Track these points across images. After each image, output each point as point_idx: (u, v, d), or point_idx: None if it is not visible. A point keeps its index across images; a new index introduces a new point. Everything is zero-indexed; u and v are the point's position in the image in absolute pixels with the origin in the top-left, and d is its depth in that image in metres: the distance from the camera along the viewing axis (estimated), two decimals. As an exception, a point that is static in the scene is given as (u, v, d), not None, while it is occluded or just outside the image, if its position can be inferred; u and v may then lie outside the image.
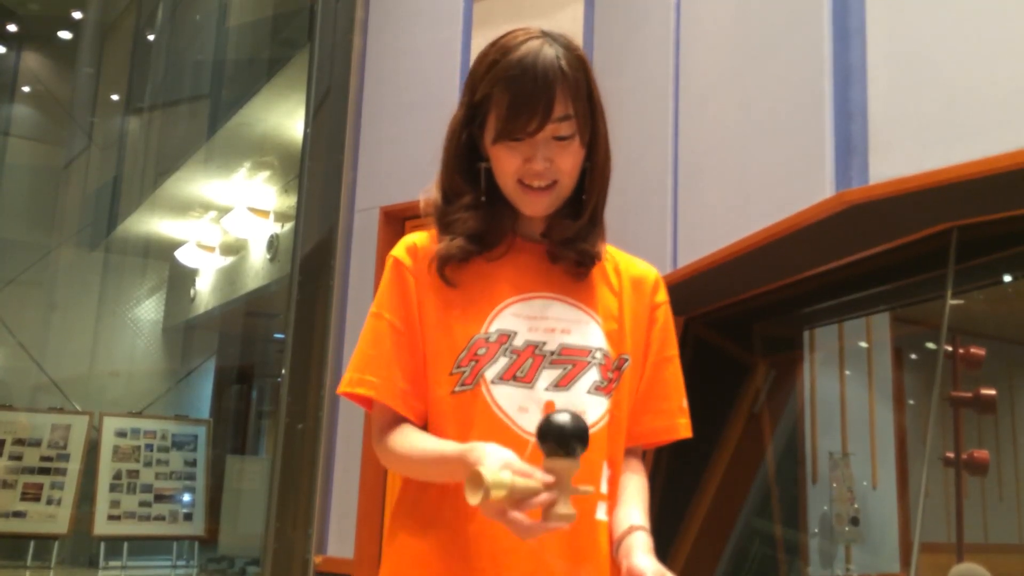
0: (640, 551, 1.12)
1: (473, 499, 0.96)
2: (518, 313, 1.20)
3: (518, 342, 1.18)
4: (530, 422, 1.14)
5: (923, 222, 2.05)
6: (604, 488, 1.18)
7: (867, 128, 1.88)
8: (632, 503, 1.21)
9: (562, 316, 1.21)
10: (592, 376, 1.18)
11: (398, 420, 1.20)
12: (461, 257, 1.21)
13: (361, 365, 1.20)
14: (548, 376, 1.17)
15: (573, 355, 1.19)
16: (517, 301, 1.21)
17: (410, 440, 1.17)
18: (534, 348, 1.18)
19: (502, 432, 1.14)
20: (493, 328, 1.18)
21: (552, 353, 1.18)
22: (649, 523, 1.19)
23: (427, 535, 1.16)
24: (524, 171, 1.18)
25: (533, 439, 1.09)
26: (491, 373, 1.16)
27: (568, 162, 1.18)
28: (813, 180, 1.96)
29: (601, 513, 1.17)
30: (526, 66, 1.14)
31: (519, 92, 1.14)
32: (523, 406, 1.15)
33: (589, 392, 1.18)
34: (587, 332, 1.21)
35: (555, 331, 1.20)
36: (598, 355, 1.20)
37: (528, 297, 1.22)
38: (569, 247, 1.22)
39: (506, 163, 1.18)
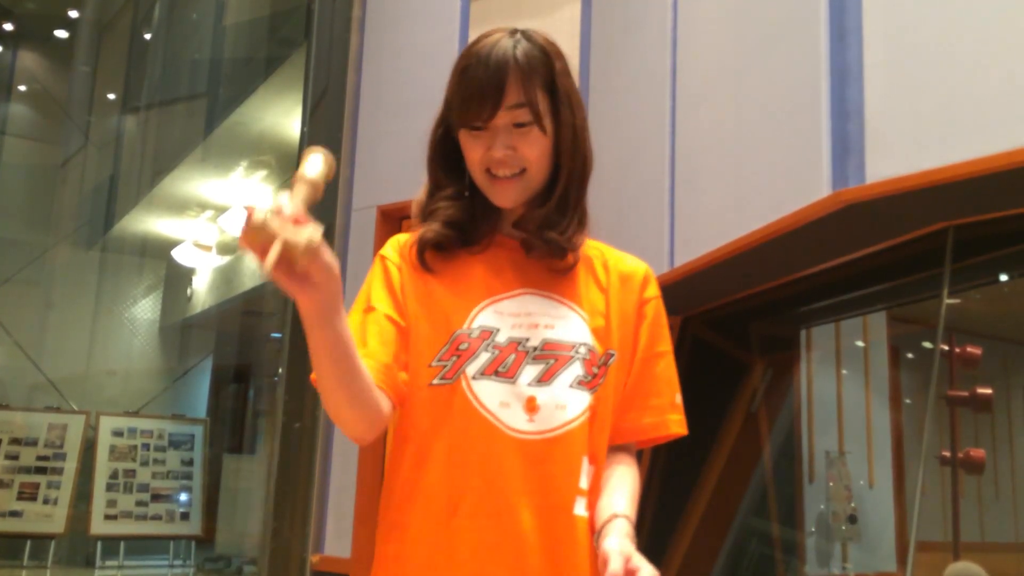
0: (614, 535, 1.10)
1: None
2: (501, 310, 1.20)
3: (500, 338, 1.18)
4: (512, 417, 1.15)
5: (919, 221, 2.05)
6: (584, 483, 1.17)
7: (864, 127, 1.89)
8: (616, 492, 1.19)
9: (546, 312, 1.21)
10: (575, 370, 1.18)
11: None
12: (437, 242, 1.23)
13: None
14: (531, 371, 1.17)
15: (556, 350, 1.19)
16: (501, 299, 1.21)
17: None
18: (517, 344, 1.18)
19: (483, 427, 1.14)
20: (475, 324, 1.19)
21: (535, 349, 1.18)
22: (634, 511, 1.18)
23: (410, 531, 1.16)
24: (488, 159, 1.20)
25: (516, 433, 1.14)
26: (472, 368, 1.16)
27: (533, 150, 1.20)
28: (810, 179, 1.97)
29: (580, 508, 1.16)
30: (480, 56, 1.18)
31: (471, 80, 1.17)
32: (505, 401, 1.15)
33: (571, 386, 1.18)
34: (571, 327, 1.21)
35: (538, 327, 1.20)
36: (582, 350, 1.20)
37: (512, 295, 1.22)
38: (538, 235, 1.23)
39: (471, 152, 1.21)
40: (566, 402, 1.17)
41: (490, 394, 1.15)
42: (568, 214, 1.24)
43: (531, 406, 1.16)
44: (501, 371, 1.16)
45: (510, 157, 1.19)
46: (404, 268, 1.24)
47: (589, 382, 1.19)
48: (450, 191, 1.25)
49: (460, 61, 1.21)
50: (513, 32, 1.21)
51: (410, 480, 1.18)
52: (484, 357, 1.17)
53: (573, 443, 1.16)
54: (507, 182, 1.21)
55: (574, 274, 1.26)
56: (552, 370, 1.18)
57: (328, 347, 1.02)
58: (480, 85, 1.16)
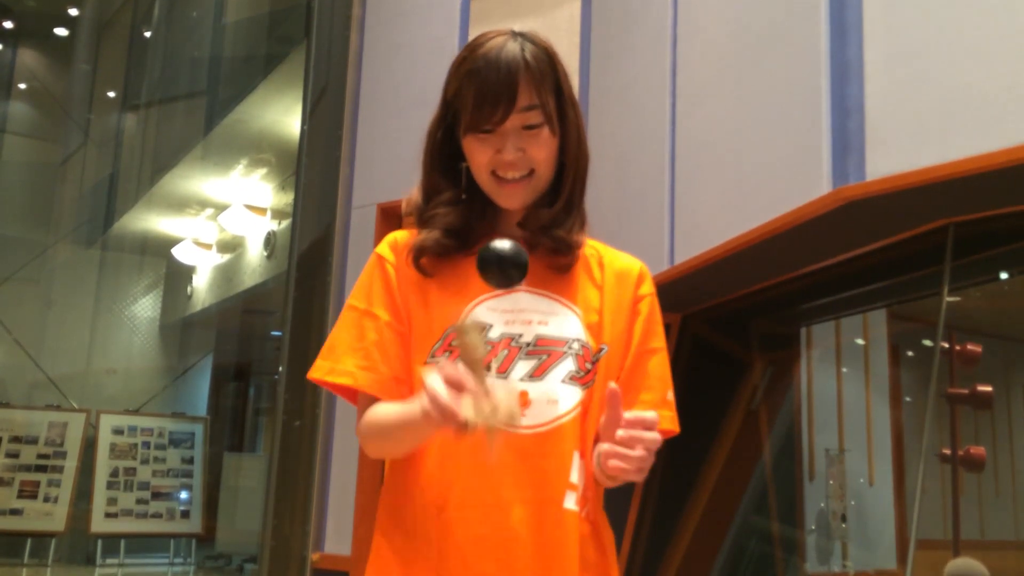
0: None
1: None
2: (494, 307, 1.21)
3: (493, 334, 1.19)
4: None
5: (920, 218, 2.05)
6: (574, 478, 1.17)
7: (864, 124, 1.89)
8: None
9: (539, 308, 1.22)
10: (568, 366, 1.19)
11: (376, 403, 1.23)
12: (436, 250, 1.23)
13: (338, 354, 1.22)
14: (523, 367, 1.18)
15: (549, 345, 1.19)
16: (494, 296, 1.22)
17: (379, 410, 1.19)
18: (510, 340, 1.19)
19: None
20: (468, 321, 1.19)
21: (528, 344, 1.19)
22: None
23: (403, 524, 1.18)
24: (496, 162, 1.20)
25: (507, 427, 1.12)
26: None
27: (542, 151, 1.21)
28: (810, 176, 1.97)
29: (570, 502, 1.16)
30: (490, 59, 1.17)
31: (483, 83, 1.17)
32: None
33: (563, 381, 1.18)
34: (565, 323, 1.22)
35: (532, 323, 1.21)
36: (575, 345, 1.20)
37: (506, 292, 1.23)
38: (545, 234, 1.24)
39: (478, 155, 1.21)
40: (558, 397, 1.17)
41: None
42: (573, 213, 1.26)
43: (523, 401, 1.16)
44: (492, 366, 1.17)
45: (520, 159, 1.20)
46: (401, 269, 1.25)
47: (582, 377, 1.20)
48: (447, 196, 1.25)
49: (464, 64, 1.20)
50: (514, 34, 1.21)
51: (405, 475, 1.20)
52: None
53: (564, 438, 1.17)
54: (515, 185, 1.21)
55: (571, 272, 1.27)
56: (545, 365, 1.18)
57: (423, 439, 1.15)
58: (493, 88, 1.16)
